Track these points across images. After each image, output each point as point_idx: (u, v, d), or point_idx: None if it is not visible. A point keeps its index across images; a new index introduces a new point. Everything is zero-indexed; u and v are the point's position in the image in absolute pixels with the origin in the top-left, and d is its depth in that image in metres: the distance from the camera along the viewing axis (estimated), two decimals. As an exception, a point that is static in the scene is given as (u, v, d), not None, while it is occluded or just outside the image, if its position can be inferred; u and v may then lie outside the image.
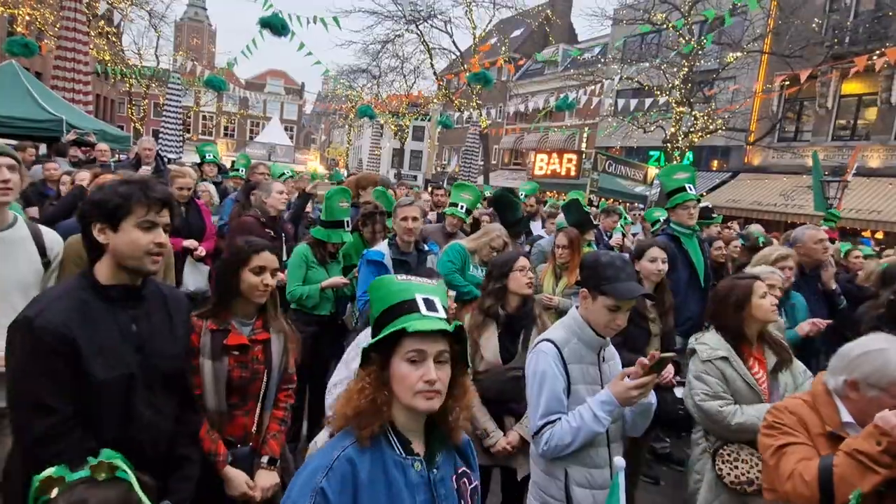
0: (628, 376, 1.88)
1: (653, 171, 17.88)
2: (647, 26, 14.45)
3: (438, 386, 1.26)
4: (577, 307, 2.19)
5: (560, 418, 1.96)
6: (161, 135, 16.35)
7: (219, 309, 2.07)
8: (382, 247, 3.55)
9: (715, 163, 21.26)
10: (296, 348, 2.26)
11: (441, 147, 40.24)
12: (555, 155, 19.64)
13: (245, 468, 1.98)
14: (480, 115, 22.90)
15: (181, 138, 16.86)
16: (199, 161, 6.92)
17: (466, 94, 24.41)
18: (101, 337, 1.50)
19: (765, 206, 17.27)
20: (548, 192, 21.04)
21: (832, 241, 11.11)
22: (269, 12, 10.42)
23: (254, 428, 2.08)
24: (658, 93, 17.36)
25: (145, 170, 6.10)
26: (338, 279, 3.62)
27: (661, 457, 4.30)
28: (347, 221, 3.69)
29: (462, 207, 4.76)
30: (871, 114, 16.98)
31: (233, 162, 8.74)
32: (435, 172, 40.53)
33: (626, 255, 2.41)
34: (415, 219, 3.51)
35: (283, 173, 6.37)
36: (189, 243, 4.25)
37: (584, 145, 25.77)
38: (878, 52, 11.81)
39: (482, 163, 26.25)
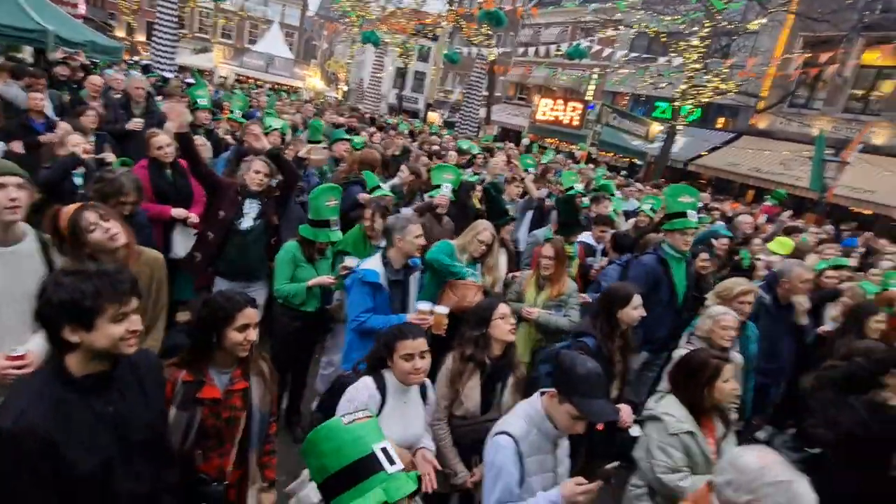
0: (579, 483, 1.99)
1: (655, 127, 17.61)
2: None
3: None
4: (541, 394, 2.20)
5: None
6: (155, 35, 15.71)
7: (195, 362, 2.04)
8: (376, 264, 3.28)
9: (721, 121, 20.83)
10: (274, 387, 2.28)
11: (446, 72, 38.72)
12: (560, 101, 19.09)
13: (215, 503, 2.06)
14: (490, 47, 21.93)
15: (175, 38, 16.16)
16: (191, 82, 6.60)
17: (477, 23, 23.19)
18: (78, 429, 1.51)
19: (763, 173, 17.20)
20: (547, 139, 20.72)
21: (771, 219, 10.98)
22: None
23: (230, 467, 2.10)
24: (673, 51, 16.67)
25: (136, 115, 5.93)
26: (324, 278, 3.56)
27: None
28: (336, 220, 3.62)
29: (447, 188, 4.71)
30: (887, 87, 16.52)
31: (223, 85, 8.42)
32: (437, 98, 39.27)
33: (599, 366, 2.18)
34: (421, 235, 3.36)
35: (271, 125, 6.04)
36: (177, 213, 4.11)
37: (591, 89, 24.95)
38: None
39: (486, 94, 25.53)
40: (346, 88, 37.44)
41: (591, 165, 14.35)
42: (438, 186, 4.77)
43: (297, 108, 12.09)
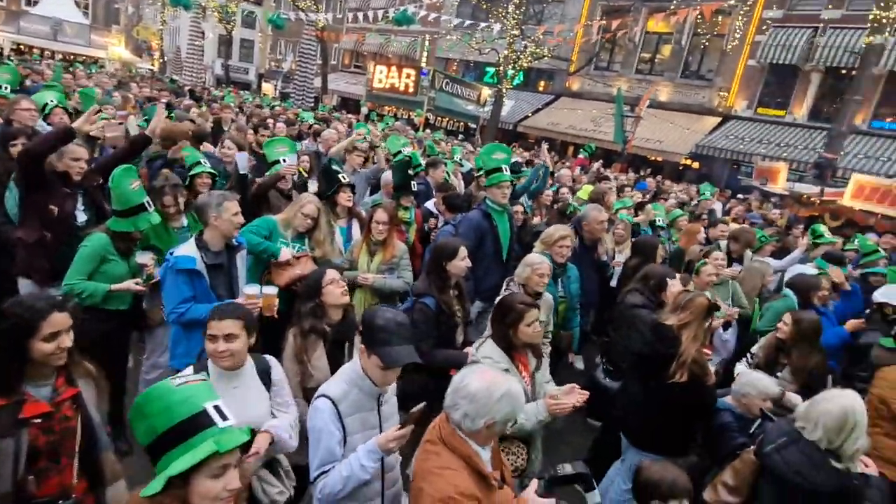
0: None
1: (486, 91, 18.66)
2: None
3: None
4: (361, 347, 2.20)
5: (333, 468, 2.08)
6: None
7: (4, 383, 1.80)
8: (190, 249, 2.98)
9: (542, 84, 22.77)
10: (106, 384, 2.14)
11: (275, 39, 36.48)
12: (394, 68, 19.28)
13: None
14: (317, 13, 21.20)
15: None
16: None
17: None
18: None
19: (578, 130, 19.31)
20: (386, 107, 20.88)
21: (585, 168, 12.69)
22: None
23: (73, 480, 1.92)
24: (493, 17, 17.71)
25: None
26: (130, 284, 3.13)
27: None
28: (148, 202, 3.23)
29: (284, 161, 4.56)
30: (666, 51, 19.41)
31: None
32: (269, 68, 36.97)
33: (404, 315, 2.27)
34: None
35: (48, 104, 5.05)
36: None
37: (424, 56, 25.49)
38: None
39: (321, 62, 24.77)
40: (163, 59, 33.48)
41: (429, 131, 14.89)
42: (277, 162, 4.57)
43: (96, 82, 10.70)
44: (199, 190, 4.14)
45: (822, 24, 15.75)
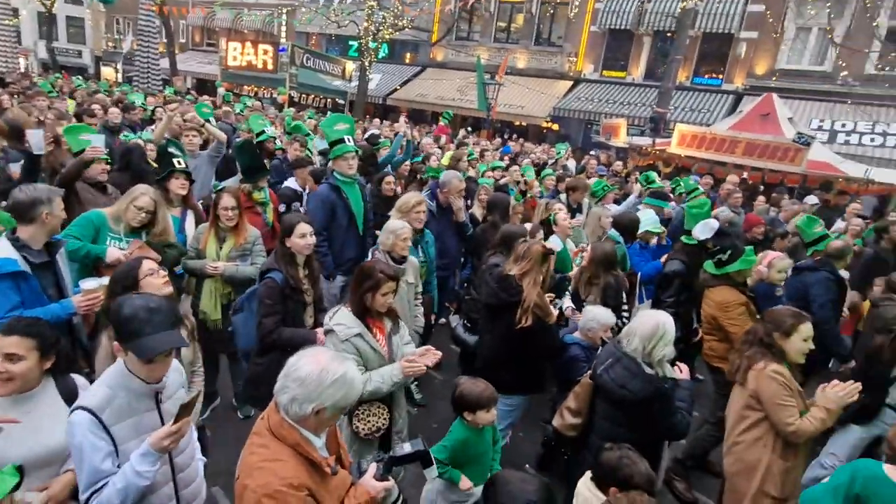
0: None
1: (350, 66, 18.29)
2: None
3: None
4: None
5: (107, 483, 1.87)
6: None
7: None
8: (6, 250, 2.65)
9: (408, 56, 22.74)
10: None
11: (110, 16, 32.41)
12: (249, 45, 18.11)
13: None
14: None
15: None
16: None
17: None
18: None
19: (446, 100, 19.65)
20: (245, 86, 19.62)
21: (454, 135, 13.08)
22: None
23: None
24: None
25: None
26: None
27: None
28: None
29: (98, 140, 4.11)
30: (520, 20, 20.27)
31: None
32: (107, 49, 32.90)
33: (159, 300, 2.04)
34: None
35: None
36: None
37: (283, 31, 24.20)
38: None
39: (165, 41, 22.59)
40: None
41: (293, 109, 14.34)
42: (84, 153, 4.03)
43: None
44: None
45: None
